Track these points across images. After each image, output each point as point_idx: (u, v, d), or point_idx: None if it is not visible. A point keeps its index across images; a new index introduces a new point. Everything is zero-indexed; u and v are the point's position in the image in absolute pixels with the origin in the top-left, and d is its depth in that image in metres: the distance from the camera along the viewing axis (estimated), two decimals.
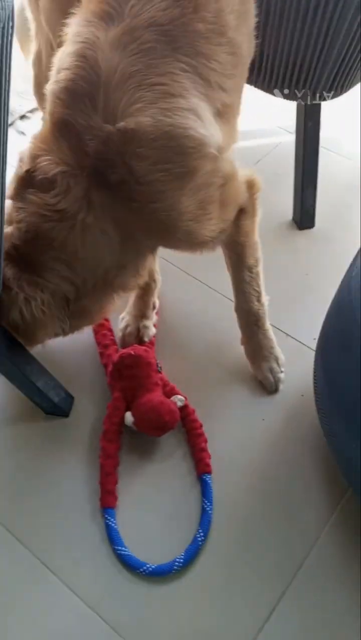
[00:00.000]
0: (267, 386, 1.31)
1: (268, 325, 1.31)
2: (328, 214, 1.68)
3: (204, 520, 1.09)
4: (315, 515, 1.13)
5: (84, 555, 1.07)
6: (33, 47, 1.43)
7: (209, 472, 1.15)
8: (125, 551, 1.05)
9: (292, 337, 1.41)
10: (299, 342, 1.40)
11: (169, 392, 1.22)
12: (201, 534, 1.08)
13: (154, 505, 1.13)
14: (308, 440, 1.23)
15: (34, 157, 0.96)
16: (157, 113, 0.89)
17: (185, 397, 1.22)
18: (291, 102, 1.46)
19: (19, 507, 1.11)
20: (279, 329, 1.41)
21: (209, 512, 1.10)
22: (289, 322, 1.43)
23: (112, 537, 1.07)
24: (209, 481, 1.14)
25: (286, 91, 1.37)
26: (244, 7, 1.06)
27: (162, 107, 0.90)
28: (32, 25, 1.40)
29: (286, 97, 1.39)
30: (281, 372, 1.31)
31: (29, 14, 1.40)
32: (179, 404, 1.19)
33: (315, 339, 1.35)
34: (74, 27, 0.97)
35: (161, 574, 1.04)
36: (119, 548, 1.05)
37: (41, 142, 0.97)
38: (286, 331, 1.41)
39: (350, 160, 1.86)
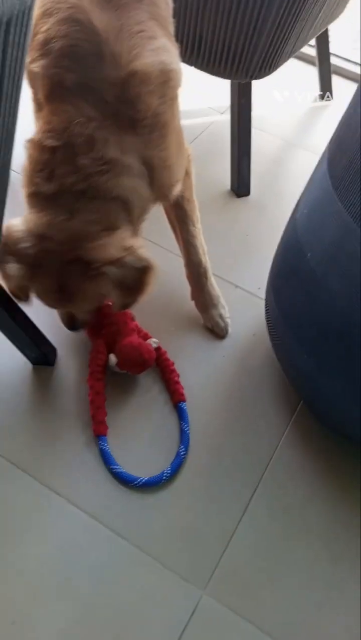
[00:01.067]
0: (218, 331, 1.50)
1: (212, 277, 1.50)
2: (261, 185, 1.91)
3: (184, 439, 1.28)
4: (275, 425, 1.35)
5: (83, 476, 1.22)
6: None
7: (183, 400, 1.34)
8: (119, 469, 1.22)
9: (240, 287, 1.62)
10: (246, 291, 1.61)
11: (144, 337, 1.39)
12: (183, 449, 1.26)
13: (139, 431, 1.30)
14: (262, 368, 1.44)
15: (62, 130, 1.05)
16: (150, 55, 1.06)
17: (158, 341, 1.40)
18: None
19: (22, 443, 1.25)
20: (228, 281, 1.62)
21: (187, 431, 1.29)
22: (235, 275, 1.64)
23: (107, 459, 1.23)
24: (184, 407, 1.33)
25: (221, 70, 1.57)
26: None
27: (150, 48, 1.07)
28: None
29: (222, 76, 1.59)
30: (228, 317, 1.51)
31: None
32: (154, 345, 1.37)
33: (259, 288, 1.58)
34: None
35: (152, 485, 1.21)
36: (114, 467, 1.22)
37: (54, 115, 1.06)
38: (235, 282, 1.63)
39: (275, 137, 2.10)
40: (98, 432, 1.26)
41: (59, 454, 1.25)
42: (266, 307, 1.35)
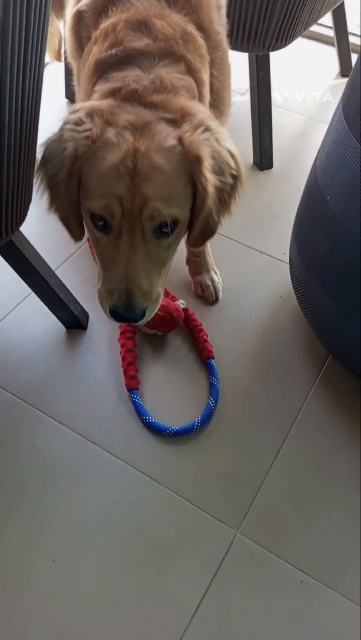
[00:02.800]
0: (208, 296, 1.49)
1: (208, 245, 1.46)
2: (284, 158, 1.95)
3: (214, 392, 1.31)
4: (303, 378, 1.37)
5: (117, 427, 1.26)
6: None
7: (212, 357, 1.37)
8: (151, 419, 1.26)
9: (265, 254, 1.65)
10: (272, 256, 1.64)
11: (172, 299, 1.43)
12: (213, 400, 1.29)
13: (170, 386, 1.34)
14: (289, 325, 1.47)
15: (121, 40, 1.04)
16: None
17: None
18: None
19: (58, 398, 1.30)
20: (254, 248, 1.66)
21: (217, 385, 1.32)
22: (261, 242, 1.67)
23: (139, 410, 1.27)
24: (213, 363, 1.36)
25: (238, 43, 1.62)
26: None
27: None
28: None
29: (240, 49, 1.64)
30: (220, 283, 1.51)
31: None
32: (182, 306, 1.41)
33: (284, 253, 1.61)
34: None
35: (183, 434, 1.25)
36: (146, 417, 1.26)
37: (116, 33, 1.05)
38: (260, 249, 1.66)
39: (297, 113, 2.14)
40: (130, 386, 1.31)
41: (93, 407, 1.29)
42: (290, 264, 1.38)
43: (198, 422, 1.26)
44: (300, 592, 1.07)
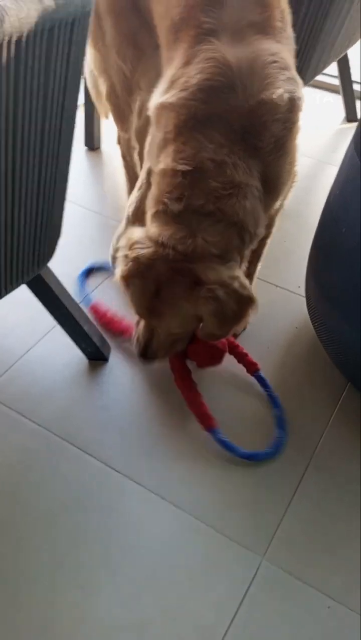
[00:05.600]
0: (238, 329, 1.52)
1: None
2: (294, 198, 2.01)
3: (280, 423, 1.35)
4: (322, 408, 1.40)
5: (141, 456, 1.28)
6: (103, 86, 1.62)
7: (258, 369, 1.43)
8: (248, 452, 1.29)
9: (280, 287, 1.70)
10: (287, 289, 1.70)
11: None
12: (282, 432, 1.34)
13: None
14: (306, 354, 1.51)
15: (193, 156, 1.12)
16: (282, 84, 1.13)
17: None
18: None
19: (82, 429, 1.33)
20: (269, 283, 1.71)
21: (272, 394, 1.40)
22: (276, 276, 1.73)
23: (229, 447, 1.28)
24: (262, 375, 1.43)
25: None
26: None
27: (282, 79, 1.13)
28: (98, 69, 1.59)
29: None
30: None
31: (92, 62, 1.60)
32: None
33: (299, 286, 1.66)
34: (184, 51, 1.17)
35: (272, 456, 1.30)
36: (239, 452, 1.28)
37: (185, 144, 1.13)
38: (275, 283, 1.71)
39: (307, 157, 2.23)
40: (208, 425, 1.30)
41: (117, 436, 1.32)
42: (306, 295, 1.42)
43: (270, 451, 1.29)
44: (327, 617, 1.07)
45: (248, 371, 1.43)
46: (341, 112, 2.45)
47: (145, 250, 1.17)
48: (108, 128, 2.19)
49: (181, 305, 1.18)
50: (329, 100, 2.56)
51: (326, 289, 1.27)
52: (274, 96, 1.11)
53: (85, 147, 2.20)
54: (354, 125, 2.39)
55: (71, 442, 1.30)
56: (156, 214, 1.18)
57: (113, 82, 1.58)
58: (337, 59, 2.06)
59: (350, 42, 1.99)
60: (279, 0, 1.21)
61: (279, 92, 1.12)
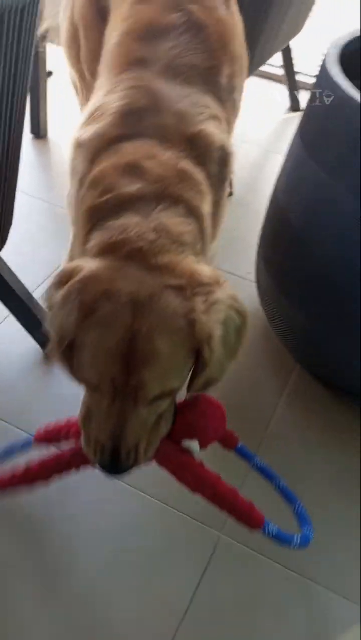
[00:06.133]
0: None
1: None
2: (243, 186, 2.08)
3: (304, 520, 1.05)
4: (272, 388, 1.45)
5: None
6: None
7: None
8: (302, 538, 0.98)
9: (232, 274, 1.75)
10: (238, 276, 1.74)
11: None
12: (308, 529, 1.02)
13: None
14: (257, 341, 1.55)
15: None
16: (214, 128, 1.02)
17: None
18: None
19: (39, 418, 1.33)
20: (220, 269, 1.75)
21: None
22: (226, 263, 1.77)
23: (285, 539, 0.98)
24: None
25: None
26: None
27: (214, 125, 1.03)
28: (81, 97, 1.45)
29: None
30: None
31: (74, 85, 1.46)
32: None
33: (249, 272, 1.71)
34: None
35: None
36: (295, 542, 0.98)
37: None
38: (227, 270, 1.75)
39: (253, 145, 2.28)
40: (260, 521, 0.97)
41: None
42: (257, 280, 1.47)
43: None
44: (286, 587, 1.12)
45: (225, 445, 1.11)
46: (286, 102, 2.50)
47: (97, 267, 0.86)
48: (55, 115, 2.18)
49: (177, 324, 0.83)
50: (274, 90, 2.61)
51: (275, 274, 1.32)
52: (208, 132, 1.01)
53: (31, 135, 2.17)
54: (298, 114, 2.45)
55: (29, 433, 1.30)
56: (93, 222, 0.95)
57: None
58: (281, 49, 2.10)
59: (294, 32, 2.03)
60: (232, 49, 1.09)
61: (213, 131, 1.02)
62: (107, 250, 0.88)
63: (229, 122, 1.14)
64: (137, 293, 0.82)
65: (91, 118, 1.03)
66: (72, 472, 1.01)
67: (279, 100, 2.53)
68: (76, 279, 0.85)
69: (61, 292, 0.86)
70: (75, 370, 0.89)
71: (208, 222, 1.00)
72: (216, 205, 1.05)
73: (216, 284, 0.88)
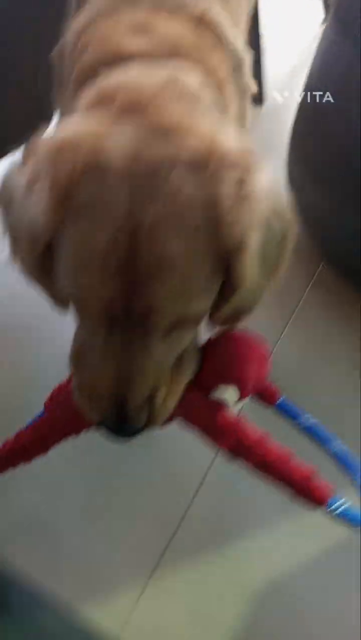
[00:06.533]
0: None
1: None
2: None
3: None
4: (297, 282, 1.51)
5: None
6: None
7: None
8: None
9: None
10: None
11: None
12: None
13: None
14: None
15: None
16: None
17: None
18: None
19: None
20: None
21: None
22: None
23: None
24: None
25: None
26: None
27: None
28: None
29: None
30: None
31: None
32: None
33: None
34: None
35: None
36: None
37: None
38: None
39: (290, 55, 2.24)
40: (326, 497, 0.72)
41: None
42: (288, 166, 1.47)
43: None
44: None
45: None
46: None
47: (80, 127, 0.61)
48: None
49: (195, 218, 0.57)
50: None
51: (304, 156, 1.34)
52: None
53: None
54: None
55: None
56: (84, 82, 0.74)
57: None
58: None
59: None
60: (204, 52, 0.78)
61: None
62: (95, 105, 0.64)
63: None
64: (137, 164, 0.56)
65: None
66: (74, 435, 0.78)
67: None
68: (45, 147, 0.59)
69: (25, 172, 0.60)
70: (57, 290, 0.63)
71: (229, 91, 0.80)
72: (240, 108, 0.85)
73: (251, 164, 0.61)
